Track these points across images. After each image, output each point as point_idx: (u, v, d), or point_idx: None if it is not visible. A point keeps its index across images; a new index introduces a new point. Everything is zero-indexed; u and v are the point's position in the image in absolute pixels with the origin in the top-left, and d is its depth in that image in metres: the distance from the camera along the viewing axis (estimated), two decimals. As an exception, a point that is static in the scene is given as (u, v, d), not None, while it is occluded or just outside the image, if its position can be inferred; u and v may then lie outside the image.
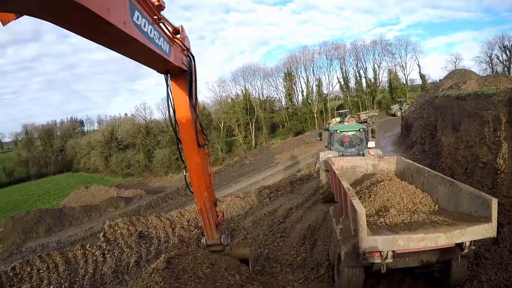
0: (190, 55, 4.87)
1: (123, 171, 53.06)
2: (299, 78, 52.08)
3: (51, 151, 72.48)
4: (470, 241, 4.55)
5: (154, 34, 3.46)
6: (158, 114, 63.20)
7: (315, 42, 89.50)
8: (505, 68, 44.84)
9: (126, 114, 66.72)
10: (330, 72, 51.32)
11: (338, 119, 38.79)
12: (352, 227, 5.24)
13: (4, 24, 2.51)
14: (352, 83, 52.23)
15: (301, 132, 46.31)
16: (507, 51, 45.07)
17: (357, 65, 51.11)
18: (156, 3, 3.58)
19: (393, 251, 4.41)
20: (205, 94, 68.24)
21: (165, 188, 30.16)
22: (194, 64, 4.96)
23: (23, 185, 59.02)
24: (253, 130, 49.04)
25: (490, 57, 46.80)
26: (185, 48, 4.69)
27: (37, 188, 52.10)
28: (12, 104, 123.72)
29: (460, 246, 4.60)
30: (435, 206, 5.94)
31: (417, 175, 6.93)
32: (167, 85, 4.54)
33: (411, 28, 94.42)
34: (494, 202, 4.61)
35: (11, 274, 9.67)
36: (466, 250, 4.63)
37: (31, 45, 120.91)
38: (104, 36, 2.83)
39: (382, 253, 4.46)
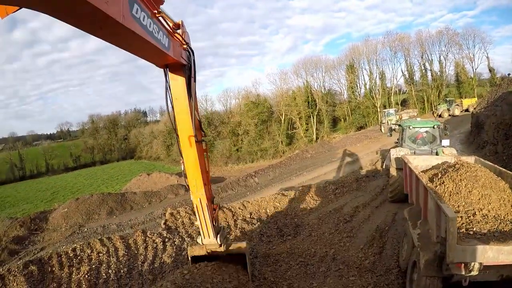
0: (189, 49, 4.89)
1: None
2: (362, 71, 49.00)
3: (115, 140, 79.08)
4: None
5: (153, 28, 3.45)
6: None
7: (382, 31, 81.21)
8: None
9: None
10: (394, 64, 47.79)
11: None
12: (435, 233, 4.76)
13: (2, 17, 2.45)
14: (417, 76, 47.70)
15: (364, 127, 44.06)
16: None
17: (422, 57, 46.54)
18: None
19: (480, 263, 4.06)
20: (267, 87, 67.50)
21: (224, 177, 29.73)
22: (194, 59, 4.97)
23: (89, 170, 65.11)
24: (315, 124, 47.05)
25: None
26: (184, 43, 4.70)
27: (101, 173, 56.60)
28: (78, 96, 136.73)
29: None
30: None
31: None
32: (166, 80, 4.64)
33: (485, 14, 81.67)
34: None
35: (71, 254, 9.88)
36: None
37: (93, 39, 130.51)
38: (102, 30, 2.81)
39: (468, 265, 4.11)
